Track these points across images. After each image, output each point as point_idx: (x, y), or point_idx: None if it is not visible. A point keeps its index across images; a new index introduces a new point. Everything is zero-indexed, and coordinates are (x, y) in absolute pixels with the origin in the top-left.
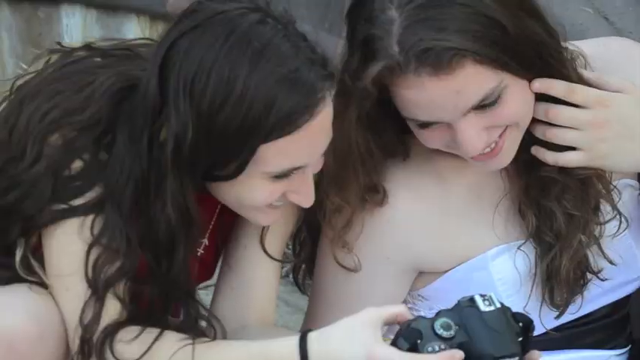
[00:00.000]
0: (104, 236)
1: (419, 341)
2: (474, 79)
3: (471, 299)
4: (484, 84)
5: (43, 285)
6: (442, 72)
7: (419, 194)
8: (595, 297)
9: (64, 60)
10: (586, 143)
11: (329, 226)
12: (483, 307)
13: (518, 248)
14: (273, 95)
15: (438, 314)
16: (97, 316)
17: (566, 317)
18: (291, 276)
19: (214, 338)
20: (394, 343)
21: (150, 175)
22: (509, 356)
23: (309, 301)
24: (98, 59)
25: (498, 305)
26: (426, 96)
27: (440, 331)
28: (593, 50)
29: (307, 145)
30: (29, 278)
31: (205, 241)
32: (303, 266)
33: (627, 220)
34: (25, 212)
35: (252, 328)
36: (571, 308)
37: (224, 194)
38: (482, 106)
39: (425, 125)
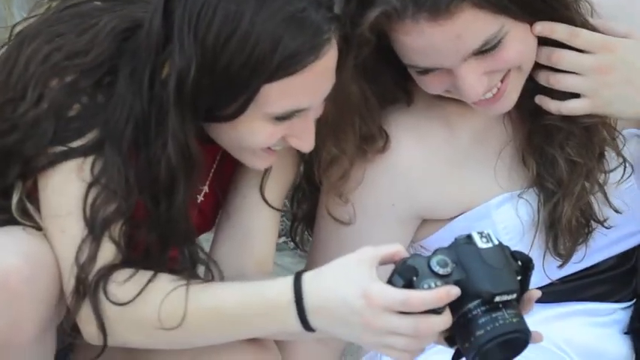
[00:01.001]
0: (103, 176)
1: (414, 278)
2: (474, 24)
3: (469, 236)
4: (484, 29)
5: (38, 228)
6: (440, 17)
7: (423, 139)
8: (601, 248)
9: (64, 3)
10: (590, 89)
11: (325, 176)
12: (481, 244)
13: (520, 196)
14: (279, 34)
15: (435, 252)
16: (93, 256)
17: (571, 268)
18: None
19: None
20: (390, 281)
21: (151, 113)
22: (508, 293)
23: (308, 255)
24: (99, 3)
25: (496, 242)
26: (424, 42)
27: (436, 269)
28: None
29: (311, 86)
30: (24, 221)
31: (205, 188)
32: (301, 226)
33: (632, 166)
34: (26, 154)
35: (250, 277)
36: (575, 257)
37: (224, 136)
38: (483, 51)
39: (425, 72)
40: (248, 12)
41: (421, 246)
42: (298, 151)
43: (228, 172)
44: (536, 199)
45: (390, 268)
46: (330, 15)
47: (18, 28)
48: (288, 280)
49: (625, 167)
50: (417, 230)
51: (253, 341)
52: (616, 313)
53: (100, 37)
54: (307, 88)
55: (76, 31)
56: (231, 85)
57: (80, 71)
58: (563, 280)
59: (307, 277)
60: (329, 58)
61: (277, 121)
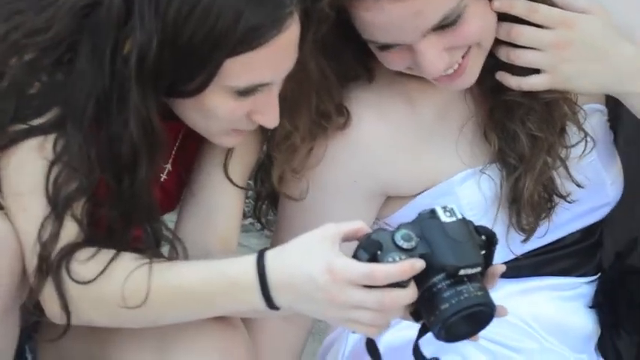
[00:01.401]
0: (65, 154)
1: (379, 252)
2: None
3: (432, 211)
4: (443, 3)
5: None
6: None
7: (385, 115)
8: (564, 222)
9: None
10: (549, 65)
11: (277, 151)
12: (444, 217)
13: (482, 171)
14: (241, 7)
15: (399, 227)
16: (56, 234)
17: (535, 242)
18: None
19: (178, 254)
20: (354, 255)
21: (112, 89)
22: (472, 266)
23: (273, 234)
24: None
25: (460, 216)
26: (384, 18)
27: (400, 243)
28: None
29: (273, 60)
30: None
31: (168, 167)
32: (265, 205)
33: (594, 141)
34: None
35: (214, 255)
36: (538, 232)
37: (189, 113)
38: (442, 26)
39: (385, 47)
40: None
41: (385, 223)
42: (262, 130)
43: (191, 150)
44: (499, 175)
45: (354, 245)
46: None
47: None
48: (252, 258)
49: (586, 142)
50: (381, 208)
51: (220, 320)
52: (581, 287)
53: (59, 14)
54: (270, 63)
55: (35, 9)
56: (193, 60)
57: (40, 49)
58: (528, 255)
59: (270, 255)
60: (291, 32)
61: (240, 96)
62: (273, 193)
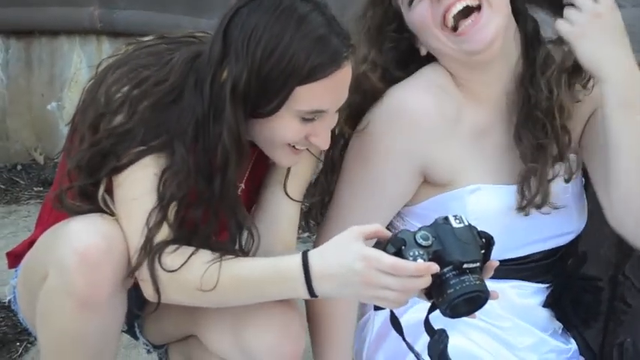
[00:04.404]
0: (171, 166)
1: (403, 247)
2: None
3: (446, 218)
4: None
5: (111, 214)
6: None
7: (437, 106)
8: (530, 242)
9: (139, 45)
10: (579, 22)
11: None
12: (455, 224)
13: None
14: (309, 49)
15: (419, 229)
16: (160, 222)
17: (505, 255)
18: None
19: (254, 248)
20: (384, 248)
21: (210, 111)
22: (473, 261)
23: (332, 202)
24: (164, 45)
25: (467, 223)
26: None
27: (420, 241)
28: None
29: (331, 91)
30: (105, 210)
31: (242, 186)
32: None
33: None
34: (119, 154)
35: (276, 252)
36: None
37: (261, 132)
38: None
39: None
40: (288, 33)
41: (403, 215)
42: (314, 156)
43: (259, 174)
44: (514, 197)
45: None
46: (348, 42)
47: (102, 66)
48: (298, 256)
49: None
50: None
51: (280, 301)
52: (538, 290)
53: (175, 68)
54: (328, 93)
55: (159, 65)
56: (272, 87)
57: (163, 93)
58: (503, 262)
59: (312, 253)
60: (346, 71)
61: (303, 121)
62: (322, 201)
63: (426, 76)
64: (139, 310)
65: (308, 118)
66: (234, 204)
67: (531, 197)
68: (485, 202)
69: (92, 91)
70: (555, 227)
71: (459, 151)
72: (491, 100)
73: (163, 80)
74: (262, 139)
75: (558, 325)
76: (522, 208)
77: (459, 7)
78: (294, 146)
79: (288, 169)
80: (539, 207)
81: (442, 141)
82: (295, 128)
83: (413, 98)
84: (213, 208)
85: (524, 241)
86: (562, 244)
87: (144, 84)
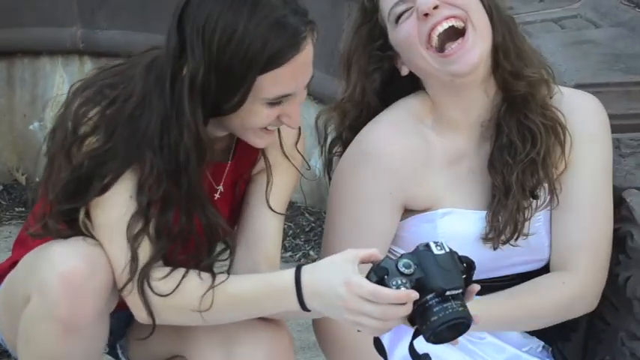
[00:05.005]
0: (145, 175)
1: (386, 276)
2: None
3: (427, 245)
4: None
5: (92, 237)
6: None
7: (408, 145)
8: (504, 267)
9: (105, 67)
10: None
11: None
12: (436, 250)
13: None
14: (267, 36)
15: (401, 256)
16: (142, 241)
17: (481, 276)
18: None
19: (231, 249)
20: (367, 276)
21: (172, 109)
22: (455, 288)
23: (322, 244)
24: (129, 63)
25: (447, 250)
26: None
27: (402, 269)
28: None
29: (294, 75)
30: (86, 233)
31: (220, 188)
32: None
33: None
34: (103, 174)
35: (262, 270)
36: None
37: (231, 122)
38: None
39: (399, 16)
40: (242, 21)
41: None
42: (296, 168)
43: (239, 195)
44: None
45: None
46: (306, 20)
47: (73, 88)
48: (291, 271)
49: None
50: None
51: (268, 319)
52: None
53: (137, 77)
54: (291, 77)
55: (125, 82)
56: (233, 79)
57: (133, 106)
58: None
59: (305, 269)
60: (307, 52)
61: (271, 106)
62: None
63: (401, 109)
64: (122, 331)
65: (276, 102)
66: (202, 202)
67: (499, 232)
68: (455, 226)
69: (61, 116)
70: (525, 255)
71: (435, 181)
72: (467, 127)
73: (131, 94)
74: (233, 128)
75: (537, 343)
76: (489, 239)
77: (445, 25)
78: (266, 128)
79: (269, 182)
80: (505, 242)
81: (419, 177)
82: (264, 113)
83: (387, 142)
84: (184, 210)
85: (491, 267)
86: (533, 269)
87: (115, 103)
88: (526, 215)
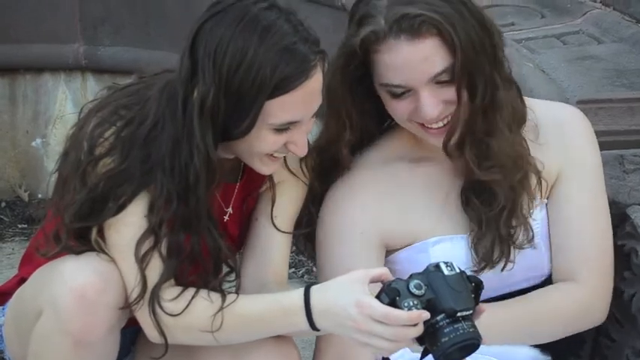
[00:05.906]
0: (157, 196)
1: (397, 297)
2: (438, 52)
3: (437, 265)
4: (445, 58)
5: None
6: (415, 37)
7: (380, 183)
8: (499, 288)
9: (118, 87)
10: None
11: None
12: (446, 271)
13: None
14: (276, 61)
15: (411, 277)
16: (152, 261)
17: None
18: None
19: (236, 272)
20: (378, 297)
21: (183, 131)
22: (466, 309)
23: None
24: (142, 84)
25: (457, 270)
26: (400, 59)
27: (413, 290)
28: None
29: (302, 102)
30: (98, 251)
31: (230, 210)
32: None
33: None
34: (118, 194)
35: (270, 285)
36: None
37: (239, 147)
38: (441, 81)
39: (396, 96)
40: (252, 46)
41: None
42: (303, 186)
43: (247, 212)
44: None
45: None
46: (316, 48)
47: (84, 111)
48: (300, 291)
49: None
50: None
51: (277, 337)
52: None
53: (152, 99)
54: (299, 103)
55: (140, 103)
56: (242, 103)
57: (149, 128)
58: None
59: (314, 289)
60: (315, 79)
61: (278, 132)
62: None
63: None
64: (127, 348)
65: (283, 128)
66: (208, 225)
67: (488, 256)
68: (448, 254)
69: (75, 137)
70: (523, 272)
71: (413, 214)
72: (442, 156)
73: (146, 116)
74: (240, 152)
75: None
76: (483, 262)
77: (440, 124)
78: (272, 154)
79: (274, 202)
80: (493, 266)
81: (395, 215)
82: (271, 140)
83: (354, 204)
84: (194, 231)
85: (493, 286)
86: (534, 284)
87: (131, 124)
88: (514, 237)
